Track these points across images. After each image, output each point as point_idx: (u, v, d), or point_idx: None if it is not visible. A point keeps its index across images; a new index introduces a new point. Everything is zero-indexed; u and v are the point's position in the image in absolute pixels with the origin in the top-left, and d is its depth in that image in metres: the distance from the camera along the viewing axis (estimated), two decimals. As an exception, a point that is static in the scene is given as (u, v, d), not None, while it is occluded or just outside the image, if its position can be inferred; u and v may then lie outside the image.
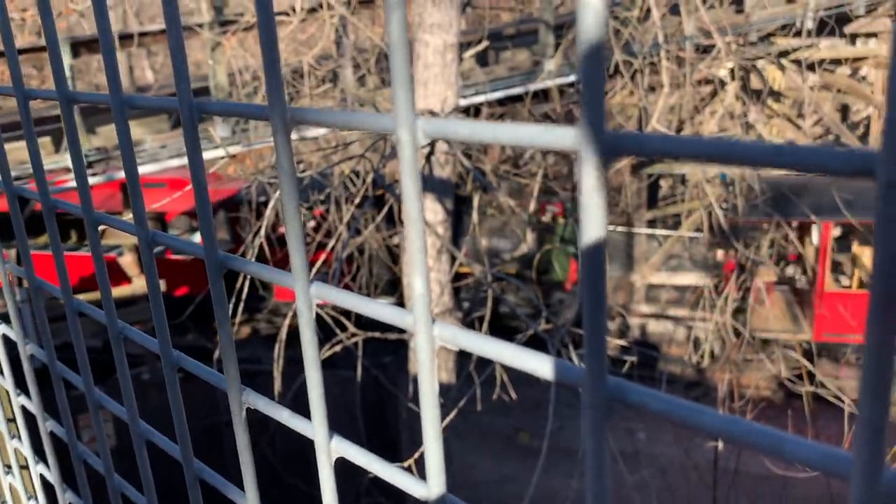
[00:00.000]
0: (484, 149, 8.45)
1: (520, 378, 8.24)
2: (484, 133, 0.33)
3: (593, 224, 0.27)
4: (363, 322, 7.31)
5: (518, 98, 10.09)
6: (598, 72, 0.26)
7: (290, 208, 0.39)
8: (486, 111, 8.97)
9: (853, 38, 15.34)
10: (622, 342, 9.31)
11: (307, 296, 0.45)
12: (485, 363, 5.65)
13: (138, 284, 11.62)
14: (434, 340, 0.37)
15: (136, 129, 11.16)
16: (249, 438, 0.53)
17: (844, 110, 16.36)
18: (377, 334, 5.94)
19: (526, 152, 12.95)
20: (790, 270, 13.77)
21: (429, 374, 0.37)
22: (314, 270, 6.62)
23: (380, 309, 0.41)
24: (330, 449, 0.45)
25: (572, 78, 11.00)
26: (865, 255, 13.88)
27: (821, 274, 12.17)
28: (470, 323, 7.00)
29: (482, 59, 11.99)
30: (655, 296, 13.61)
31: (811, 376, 9.14)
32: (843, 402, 6.57)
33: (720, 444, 7.06)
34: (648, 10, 7.13)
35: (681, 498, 7.17)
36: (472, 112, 9.47)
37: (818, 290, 12.23)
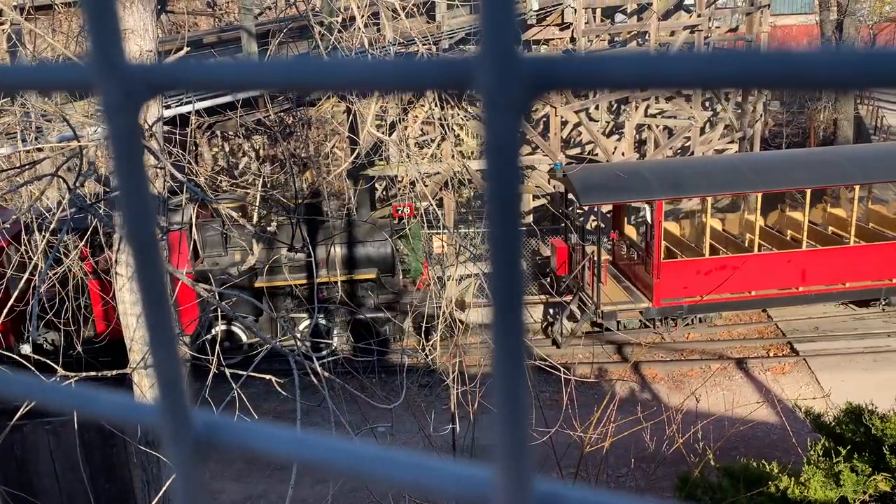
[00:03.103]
0: (195, 158, 8.05)
1: (259, 392, 7.99)
2: (252, 76, 0.24)
3: (504, 212, 0.21)
4: (74, 359, 6.56)
5: (230, 106, 9.80)
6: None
7: None
8: (196, 120, 8.56)
9: (530, 44, 17.20)
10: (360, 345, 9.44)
11: None
12: (223, 383, 5.35)
13: None
14: None
15: None
16: None
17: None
18: (92, 373, 5.36)
19: (241, 162, 12.53)
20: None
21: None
22: (4, 311, 5.78)
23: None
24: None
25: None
26: (674, 229, 15.66)
27: (657, 247, 13.28)
28: (201, 348, 6.62)
29: (184, 68, 11.39)
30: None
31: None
32: (557, 370, 7.34)
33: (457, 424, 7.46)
34: (352, 18, 7.32)
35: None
36: (179, 123, 9.00)
37: (655, 261, 13.34)
